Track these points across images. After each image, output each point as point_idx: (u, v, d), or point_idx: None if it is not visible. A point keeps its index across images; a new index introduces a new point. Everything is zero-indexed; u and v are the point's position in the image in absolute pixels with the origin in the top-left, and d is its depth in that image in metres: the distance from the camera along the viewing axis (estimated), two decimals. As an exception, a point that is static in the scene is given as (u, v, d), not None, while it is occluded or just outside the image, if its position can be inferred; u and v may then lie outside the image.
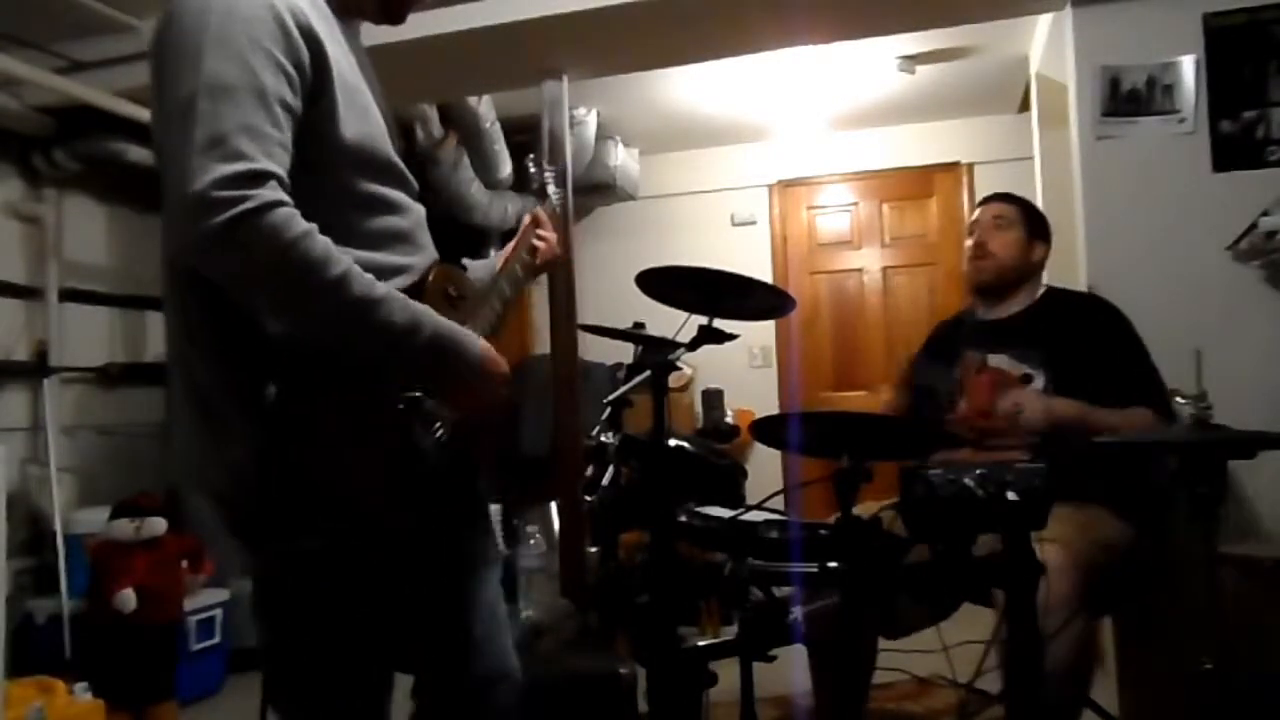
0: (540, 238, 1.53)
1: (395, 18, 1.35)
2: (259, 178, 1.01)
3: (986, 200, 2.45)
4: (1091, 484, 2.04)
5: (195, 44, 1.03)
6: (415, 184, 1.30)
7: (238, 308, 1.09)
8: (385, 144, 1.23)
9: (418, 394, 1.14)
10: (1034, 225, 2.36)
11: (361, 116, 1.19)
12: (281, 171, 1.04)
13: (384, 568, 1.19)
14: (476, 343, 1.20)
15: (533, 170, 1.80)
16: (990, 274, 2.34)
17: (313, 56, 1.11)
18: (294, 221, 1.02)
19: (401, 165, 1.27)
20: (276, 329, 1.10)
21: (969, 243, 2.39)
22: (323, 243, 1.05)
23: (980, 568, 1.59)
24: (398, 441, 1.13)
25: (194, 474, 1.18)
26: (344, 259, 1.06)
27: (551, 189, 1.69)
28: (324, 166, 1.13)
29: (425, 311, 1.14)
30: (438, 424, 1.18)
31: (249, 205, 0.99)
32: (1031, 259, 2.33)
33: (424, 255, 1.28)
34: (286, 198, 1.03)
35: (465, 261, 1.45)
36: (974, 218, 2.42)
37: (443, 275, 1.28)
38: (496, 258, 1.52)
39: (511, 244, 1.53)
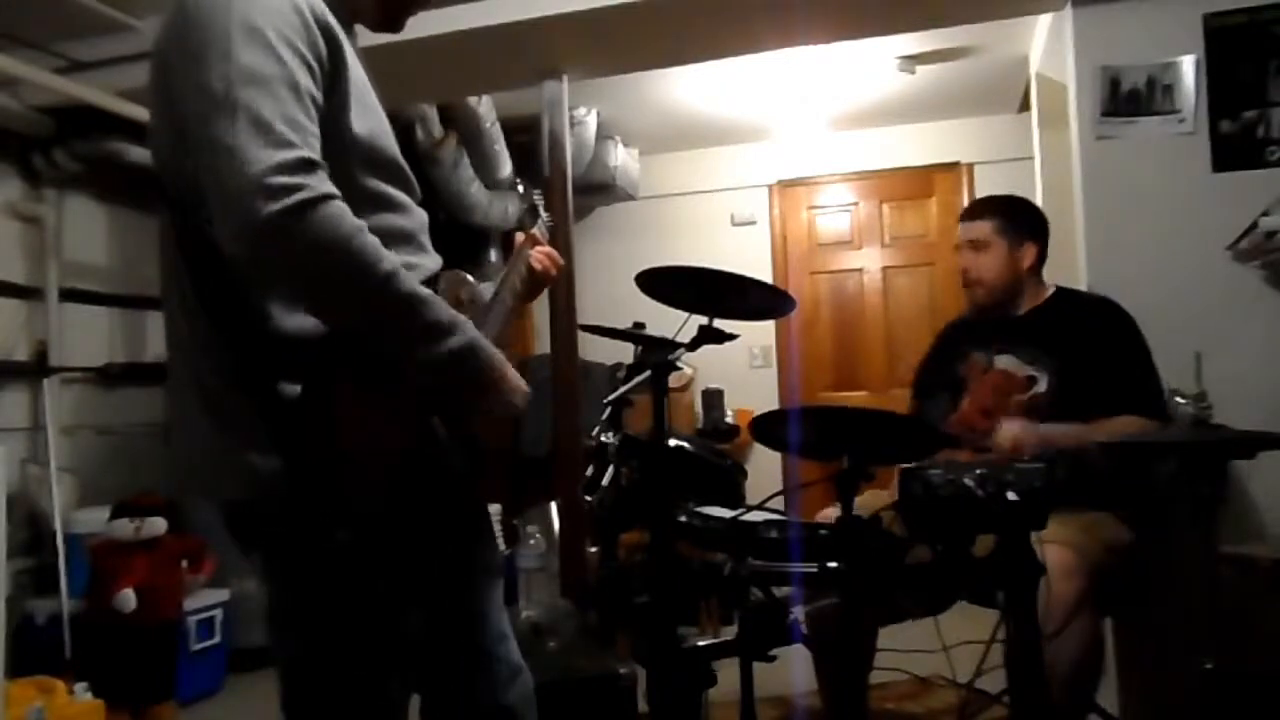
0: (536, 257, 1.51)
1: (394, 26, 1.34)
2: (311, 165, 1.00)
3: (962, 216, 2.42)
4: (1091, 490, 2.03)
5: (223, 33, 1.01)
6: (418, 189, 1.30)
7: (245, 307, 1.08)
8: (391, 142, 1.23)
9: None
10: (1016, 229, 2.29)
11: (370, 112, 1.18)
12: (323, 161, 1.02)
13: (406, 564, 1.18)
14: (502, 359, 1.18)
15: (522, 191, 1.81)
16: (983, 298, 2.33)
17: (330, 51, 1.10)
18: (349, 215, 1.02)
19: (406, 167, 1.26)
20: (289, 326, 1.09)
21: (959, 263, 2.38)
22: (374, 239, 1.04)
23: (980, 568, 1.59)
24: (421, 439, 1.14)
25: (206, 481, 1.16)
26: (393, 256, 1.05)
27: (543, 210, 1.67)
28: (334, 160, 1.08)
29: (463, 318, 1.13)
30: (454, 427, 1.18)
31: (308, 194, 0.97)
32: (1021, 267, 2.28)
33: (429, 258, 1.27)
34: (337, 190, 1.02)
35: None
36: (956, 238, 2.39)
37: (455, 280, 1.28)
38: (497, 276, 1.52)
39: (510, 261, 1.52)
